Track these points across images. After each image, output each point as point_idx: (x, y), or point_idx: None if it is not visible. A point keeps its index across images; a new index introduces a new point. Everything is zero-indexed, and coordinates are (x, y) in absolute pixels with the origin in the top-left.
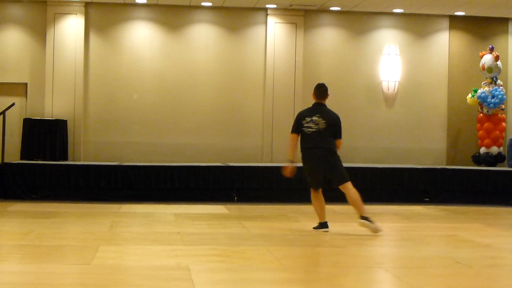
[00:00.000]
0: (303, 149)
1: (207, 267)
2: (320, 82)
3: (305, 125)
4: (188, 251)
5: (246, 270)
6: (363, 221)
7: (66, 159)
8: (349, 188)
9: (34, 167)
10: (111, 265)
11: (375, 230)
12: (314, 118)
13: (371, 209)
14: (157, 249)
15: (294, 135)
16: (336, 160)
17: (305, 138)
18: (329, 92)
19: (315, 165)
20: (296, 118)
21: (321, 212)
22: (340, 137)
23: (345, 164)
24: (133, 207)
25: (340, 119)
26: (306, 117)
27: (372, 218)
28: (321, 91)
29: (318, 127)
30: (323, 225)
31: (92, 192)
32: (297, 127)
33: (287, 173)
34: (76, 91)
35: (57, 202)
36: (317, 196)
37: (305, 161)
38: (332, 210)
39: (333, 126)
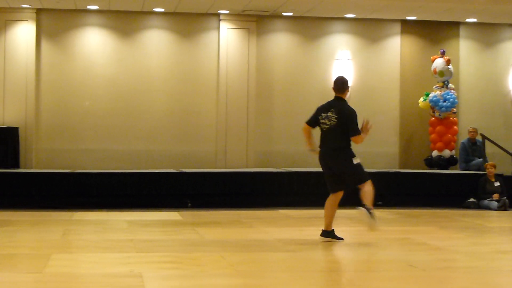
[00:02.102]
0: (320, 146)
1: (160, 274)
2: (273, 86)
3: (321, 121)
4: (141, 258)
5: (200, 276)
6: (364, 210)
7: (18, 167)
8: (364, 188)
9: None
10: (64, 273)
11: (371, 225)
12: (329, 113)
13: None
14: (110, 256)
15: (306, 126)
16: (345, 160)
17: (322, 134)
18: (348, 86)
19: (323, 165)
20: (315, 111)
21: (326, 218)
22: (354, 133)
23: (299, 169)
24: (85, 214)
25: (356, 114)
26: (322, 112)
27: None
28: (337, 84)
29: (330, 124)
30: (328, 233)
31: (44, 200)
32: (313, 120)
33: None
34: (27, 98)
35: (8, 210)
36: (330, 200)
37: (319, 158)
38: (287, 215)
39: (344, 122)
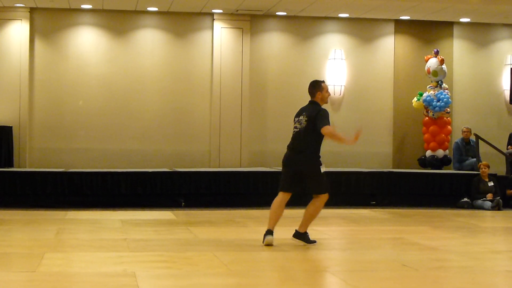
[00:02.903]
0: (287, 149)
1: (153, 274)
2: (267, 85)
3: (294, 125)
4: (134, 258)
5: (193, 275)
6: (296, 238)
7: (11, 166)
8: (315, 200)
9: None
10: (57, 272)
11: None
12: (301, 117)
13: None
14: (103, 255)
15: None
16: (314, 166)
17: (292, 138)
18: (318, 89)
19: (286, 166)
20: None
21: (273, 220)
22: (321, 125)
23: None
24: (79, 213)
25: (326, 112)
26: (295, 117)
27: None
28: (308, 88)
29: (301, 126)
30: (268, 232)
31: (38, 199)
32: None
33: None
34: (21, 97)
35: (2, 209)
36: (280, 200)
37: (284, 160)
38: None
39: (313, 122)
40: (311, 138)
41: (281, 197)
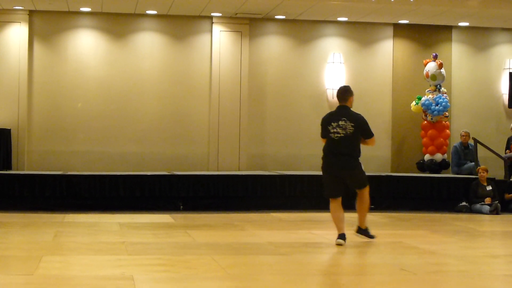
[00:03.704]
0: (326, 155)
1: (151, 277)
2: (266, 89)
3: (332, 130)
4: (132, 261)
5: (191, 279)
6: (359, 234)
7: (10, 168)
8: (363, 194)
9: None
10: (55, 275)
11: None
12: (341, 122)
13: (317, 216)
14: (101, 259)
15: (323, 140)
16: (357, 167)
17: (331, 144)
18: (351, 94)
19: (336, 171)
20: (322, 123)
21: (339, 223)
22: (370, 136)
23: (291, 172)
24: (77, 216)
25: (365, 119)
26: (332, 122)
27: (370, 230)
28: (339, 92)
29: (346, 132)
30: (341, 236)
31: (36, 201)
32: (325, 132)
33: None
34: (20, 99)
35: (0, 212)
36: (336, 206)
37: (326, 167)
38: (278, 218)
39: (360, 128)
40: (358, 143)
41: (334, 203)
